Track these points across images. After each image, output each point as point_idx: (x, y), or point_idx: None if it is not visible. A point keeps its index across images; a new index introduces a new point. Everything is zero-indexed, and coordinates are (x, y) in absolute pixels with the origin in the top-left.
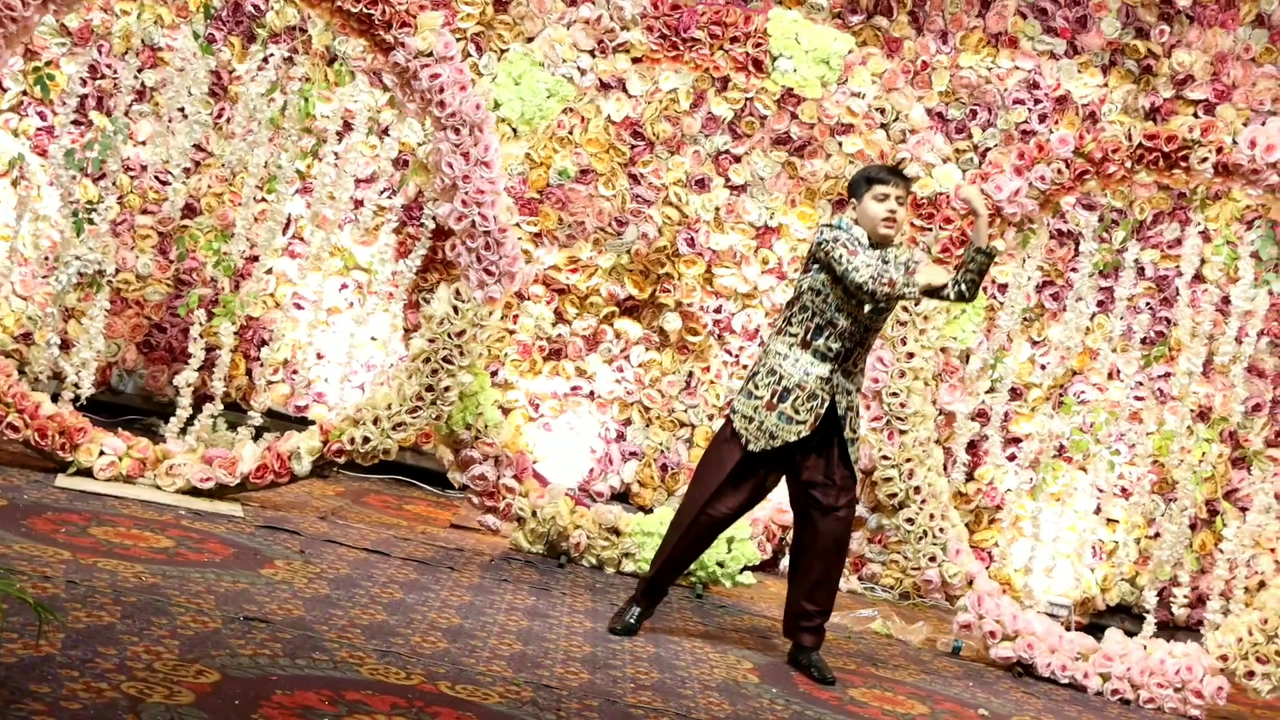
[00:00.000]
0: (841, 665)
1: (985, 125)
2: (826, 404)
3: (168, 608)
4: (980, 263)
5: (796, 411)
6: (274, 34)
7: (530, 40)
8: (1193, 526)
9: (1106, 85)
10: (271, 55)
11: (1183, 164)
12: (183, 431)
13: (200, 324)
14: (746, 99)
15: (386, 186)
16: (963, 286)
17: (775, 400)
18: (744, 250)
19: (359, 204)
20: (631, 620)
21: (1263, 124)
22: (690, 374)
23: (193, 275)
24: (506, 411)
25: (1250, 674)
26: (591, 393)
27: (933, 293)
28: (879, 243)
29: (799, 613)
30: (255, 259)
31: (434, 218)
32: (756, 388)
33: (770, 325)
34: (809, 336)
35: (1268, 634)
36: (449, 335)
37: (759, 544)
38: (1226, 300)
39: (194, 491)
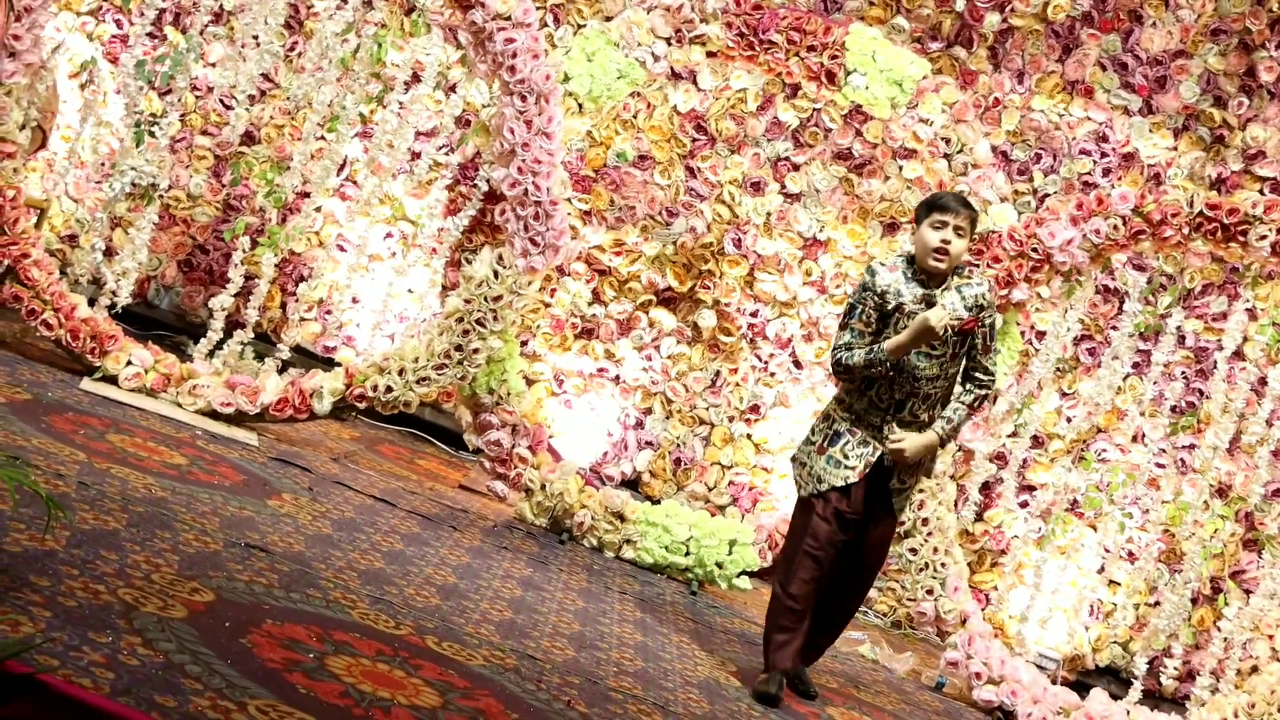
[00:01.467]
0: (824, 683)
1: (1048, 171)
2: (878, 453)
3: (173, 523)
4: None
5: (846, 456)
6: None
7: (609, 19)
8: (1194, 600)
9: (1176, 149)
10: None
11: (1240, 238)
12: (211, 354)
13: (243, 251)
14: (814, 109)
15: (446, 143)
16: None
17: (826, 444)
18: (789, 259)
19: (416, 156)
20: (773, 689)
21: None
22: (718, 373)
23: (242, 202)
24: (531, 382)
25: None
26: (617, 377)
27: (969, 353)
28: (931, 273)
29: (805, 640)
30: (306, 195)
31: (488, 180)
32: (813, 433)
33: (804, 338)
34: (864, 385)
35: (1252, 717)
36: (485, 298)
37: (760, 550)
38: (1263, 381)
39: (213, 414)
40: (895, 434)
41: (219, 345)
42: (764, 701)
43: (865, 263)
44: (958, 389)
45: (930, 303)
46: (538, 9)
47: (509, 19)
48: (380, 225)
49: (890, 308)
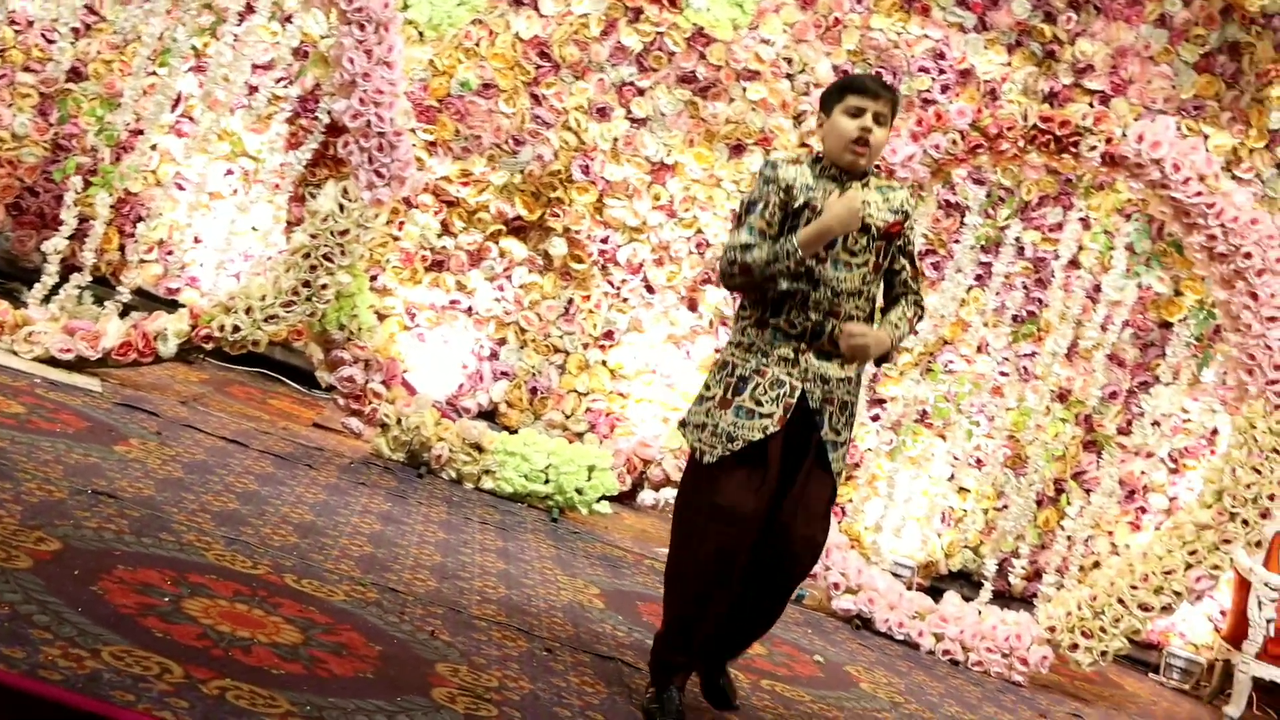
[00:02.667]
0: None
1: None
2: (797, 393)
3: (13, 473)
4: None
5: (759, 403)
6: None
7: None
8: (1039, 502)
9: (1010, 64)
10: None
11: (1073, 150)
12: (46, 300)
13: (76, 192)
14: (657, 33)
15: (284, 75)
16: (888, 303)
17: (730, 394)
18: (637, 184)
19: (253, 89)
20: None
21: (1152, 120)
22: (570, 300)
23: (72, 141)
24: (382, 317)
25: (1074, 646)
26: (469, 308)
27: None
28: (847, 170)
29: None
30: (140, 132)
31: (329, 112)
32: (708, 388)
33: (655, 262)
34: (767, 313)
35: (1095, 610)
36: (332, 233)
37: (619, 475)
38: (1098, 288)
39: (52, 361)
40: (852, 327)
41: (55, 290)
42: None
43: (713, 186)
44: (897, 308)
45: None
46: None
47: None
48: (219, 162)
49: (798, 205)
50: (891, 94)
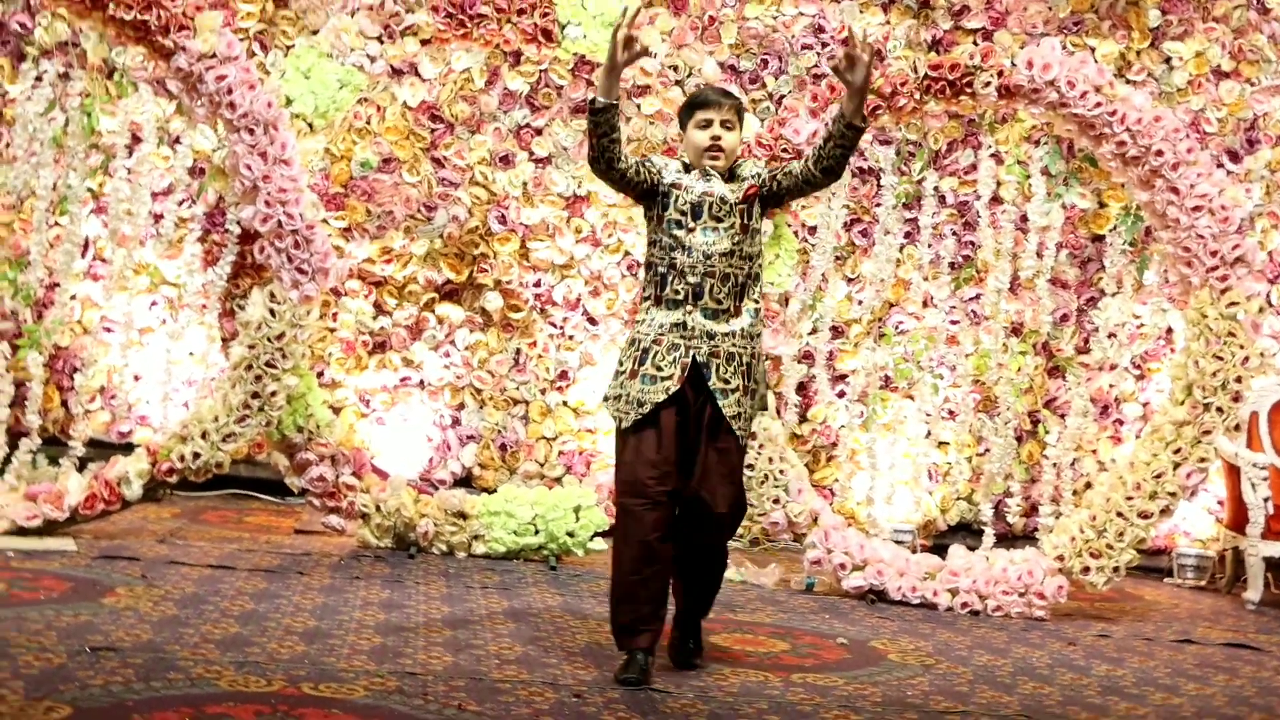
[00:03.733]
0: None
1: (777, 73)
2: (691, 353)
3: (7, 650)
4: (849, 138)
5: (659, 368)
6: (45, 50)
7: (315, 33)
8: (1018, 439)
9: (889, 23)
10: (45, 72)
11: (968, 90)
12: (0, 471)
13: (5, 358)
14: (540, 71)
15: (185, 196)
16: (830, 162)
17: (636, 365)
18: (556, 222)
19: (158, 217)
20: (635, 674)
21: (1038, 45)
22: (518, 350)
23: None
24: (337, 410)
25: (1086, 569)
26: (421, 381)
27: (795, 184)
28: (710, 169)
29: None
30: (56, 286)
31: (238, 222)
32: (620, 364)
33: (591, 293)
34: (659, 290)
35: (1097, 529)
36: (268, 339)
37: (605, 508)
38: (1024, 218)
39: (20, 531)
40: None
41: (6, 460)
42: (629, 684)
43: (630, 207)
44: (814, 151)
45: (707, 177)
46: (241, 39)
47: (214, 56)
48: (142, 296)
49: (667, 184)
50: (733, 100)
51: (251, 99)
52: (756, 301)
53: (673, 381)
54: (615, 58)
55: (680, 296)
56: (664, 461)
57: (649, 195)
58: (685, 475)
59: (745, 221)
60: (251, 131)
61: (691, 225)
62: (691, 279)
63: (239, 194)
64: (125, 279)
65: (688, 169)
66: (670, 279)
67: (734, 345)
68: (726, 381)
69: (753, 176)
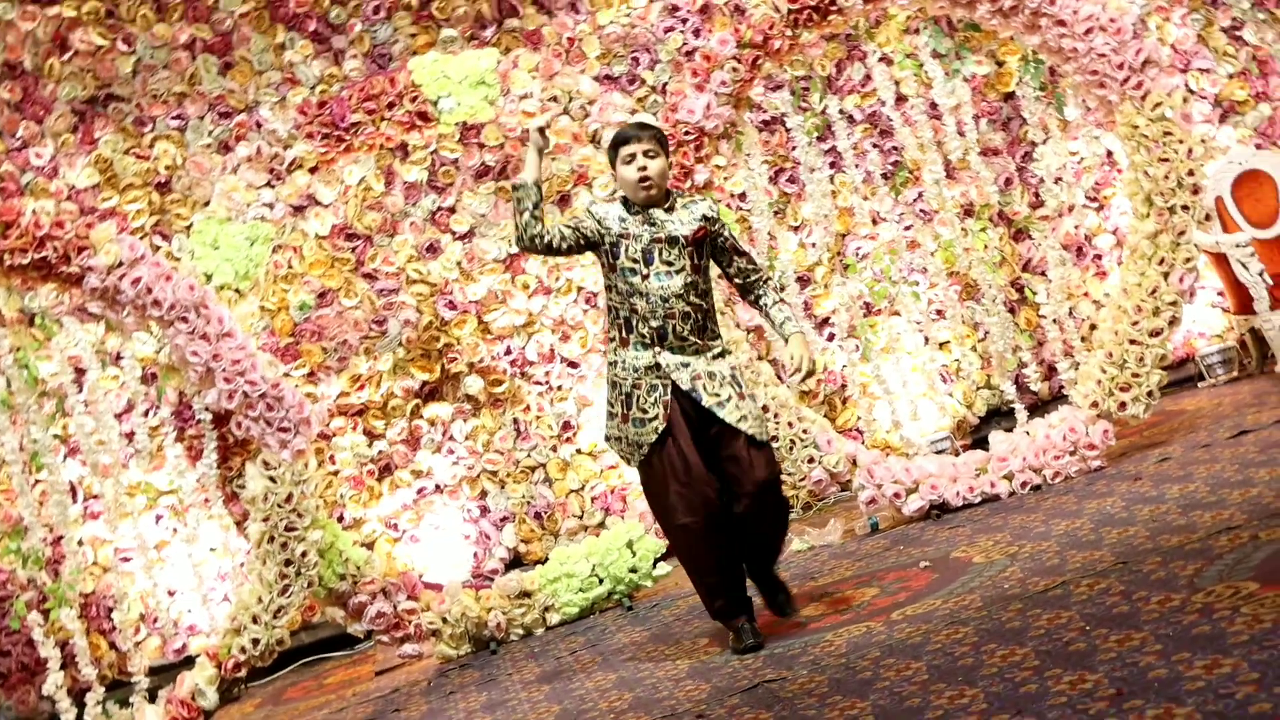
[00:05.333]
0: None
1: (652, 64)
2: (669, 390)
3: None
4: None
5: (644, 410)
6: None
7: (207, 204)
8: (1011, 310)
9: None
10: None
11: (833, 9)
12: None
13: (40, 626)
14: (431, 153)
15: (147, 405)
16: (744, 297)
17: (625, 410)
18: (502, 287)
19: (130, 436)
20: (749, 640)
21: None
22: (515, 420)
23: (7, 586)
24: (370, 545)
25: (1122, 405)
26: (437, 486)
27: (724, 267)
28: (651, 205)
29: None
30: (60, 539)
31: (206, 408)
32: (611, 406)
33: (562, 339)
34: (625, 333)
35: (1118, 364)
36: (279, 506)
37: (655, 532)
38: (934, 105)
39: None
40: (789, 362)
41: (80, 719)
42: (749, 651)
43: None
44: (754, 296)
45: (652, 223)
46: (140, 238)
47: (122, 265)
48: (145, 515)
49: (614, 235)
50: (651, 129)
51: (172, 289)
52: (719, 331)
53: (660, 420)
54: (535, 144)
55: (647, 339)
56: (685, 472)
57: (594, 248)
58: (713, 460)
59: (696, 261)
60: (185, 320)
61: (645, 271)
62: (654, 323)
63: (196, 382)
64: (122, 505)
65: (628, 206)
66: (635, 323)
67: (709, 362)
68: (718, 394)
69: (705, 220)
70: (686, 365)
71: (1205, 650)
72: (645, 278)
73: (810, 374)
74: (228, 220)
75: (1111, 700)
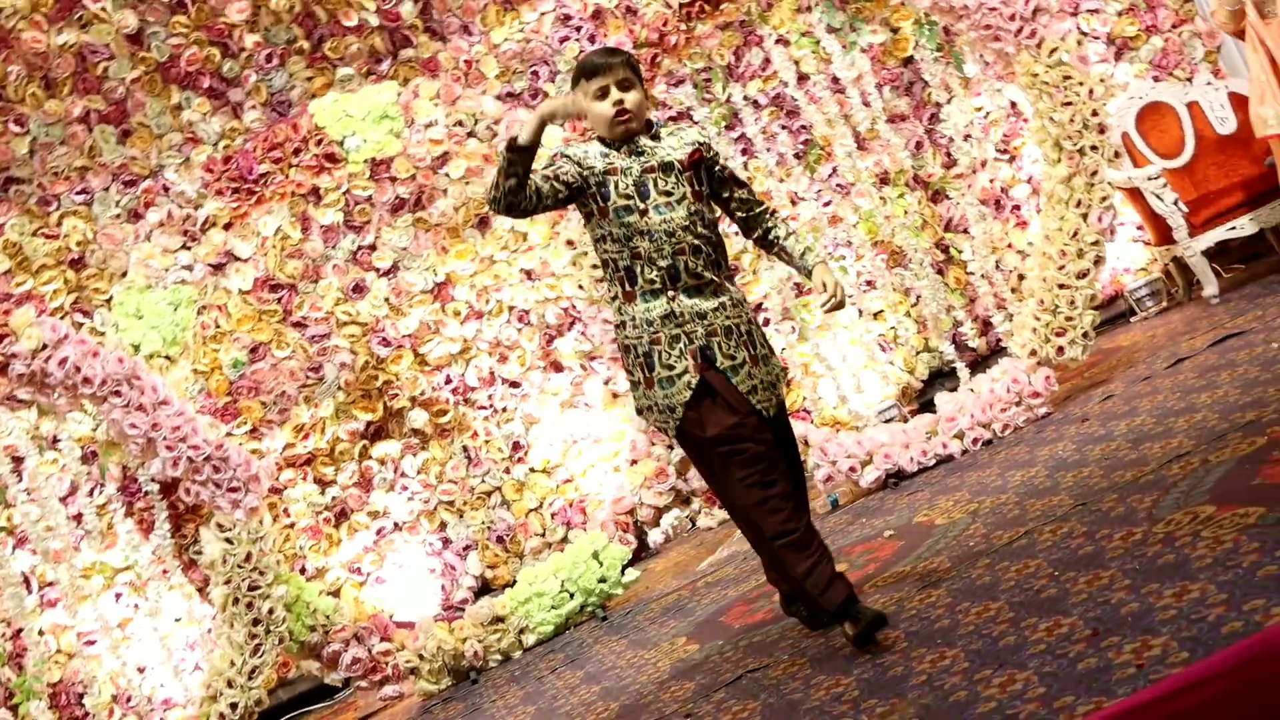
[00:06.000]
0: (753, 582)
1: (553, 75)
2: (695, 338)
3: None
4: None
5: (671, 367)
6: None
7: (124, 274)
8: (939, 272)
9: None
10: None
11: None
12: None
13: None
14: (344, 193)
15: (90, 484)
16: (759, 243)
17: (648, 372)
18: (432, 318)
19: (78, 518)
20: (865, 624)
21: None
22: (464, 448)
23: None
24: (336, 593)
25: (1060, 350)
26: (396, 524)
27: (722, 198)
28: (627, 140)
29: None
30: (20, 631)
31: (152, 479)
32: (631, 372)
33: (500, 360)
34: (629, 285)
35: (1050, 309)
36: (238, 567)
37: (619, 539)
38: (835, 80)
39: None
40: (822, 292)
41: None
42: (869, 634)
43: (491, 272)
44: (763, 231)
45: (640, 152)
46: (61, 318)
47: (46, 347)
48: (104, 595)
49: (599, 172)
50: (623, 56)
51: (101, 365)
52: (730, 270)
53: (690, 374)
54: (555, 115)
55: (657, 284)
56: (737, 408)
57: (577, 196)
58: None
59: (696, 188)
60: (118, 394)
61: (643, 206)
62: (662, 262)
63: (138, 454)
64: (80, 589)
65: (608, 144)
66: (639, 269)
67: (727, 318)
68: (733, 358)
69: (697, 144)
70: (702, 317)
71: (1172, 579)
72: (644, 213)
73: (841, 305)
74: (148, 288)
75: (1089, 641)
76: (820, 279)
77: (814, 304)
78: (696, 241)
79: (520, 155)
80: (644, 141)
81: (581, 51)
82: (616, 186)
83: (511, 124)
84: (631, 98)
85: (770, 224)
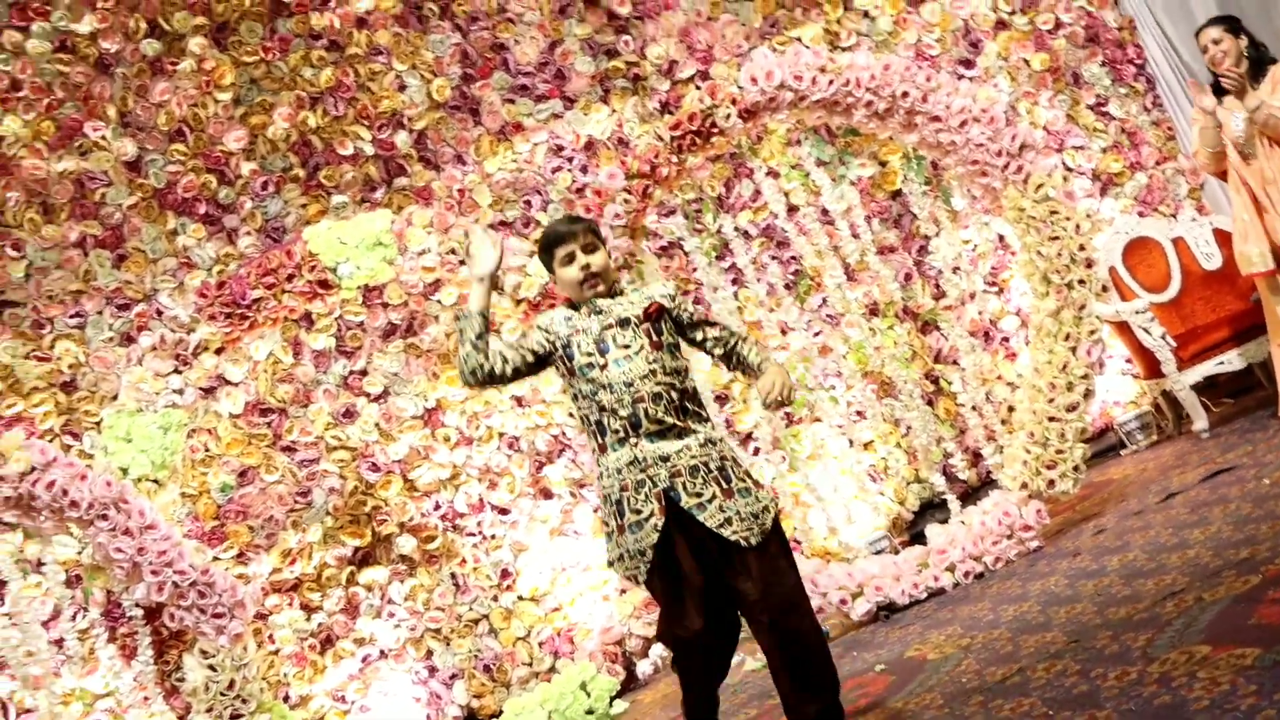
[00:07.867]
0: (746, 711)
1: (545, 205)
2: (659, 482)
3: None
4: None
5: (638, 511)
6: None
7: (115, 397)
8: (929, 403)
9: (614, 110)
10: None
11: (715, 131)
12: None
13: None
14: (336, 319)
15: (74, 609)
16: (724, 362)
17: (619, 520)
18: (422, 443)
19: (59, 643)
20: None
21: (751, 61)
22: (452, 575)
23: None
24: (321, 719)
25: (1050, 483)
26: (382, 652)
27: (695, 340)
28: (589, 302)
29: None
30: None
31: (136, 604)
32: (606, 525)
33: (489, 486)
34: (601, 438)
35: (1040, 442)
36: (221, 694)
37: (608, 670)
38: (825, 211)
39: None
40: (761, 391)
41: None
42: None
43: (482, 398)
44: (736, 359)
45: (599, 311)
46: (50, 440)
47: (34, 470)
48: None
49: (564, 336)
50: (584, 222)
51: (89, 488)
52: (703, 412)
53: (656, 516)
54: (482, 266)
55: (621, 433)
56: (689, 598)
57: (547, 361)
58: (721, 591)
59: (655, 339)
60: (105, 517)
61: (603, 361)
62: (623, 412)
63: (123, 579)
64: (58, 716)
65: (575, 306)
66: (606, 420)
67: (693, 457)
68: (699, 495)
69: (661, 297)
70: (665, 459)
71: None
72: (604, 368)
73: (787, 404)
74: (138, 411)
75: None
76: (767, 379)
77: (803, 433)
78: (658, 389)
79: (464, 322)
80: (603, 302)
81: (575, 181)
82: (580, 346)
83: (504, 252)
84: (596, 259)
85: (743, 351)
